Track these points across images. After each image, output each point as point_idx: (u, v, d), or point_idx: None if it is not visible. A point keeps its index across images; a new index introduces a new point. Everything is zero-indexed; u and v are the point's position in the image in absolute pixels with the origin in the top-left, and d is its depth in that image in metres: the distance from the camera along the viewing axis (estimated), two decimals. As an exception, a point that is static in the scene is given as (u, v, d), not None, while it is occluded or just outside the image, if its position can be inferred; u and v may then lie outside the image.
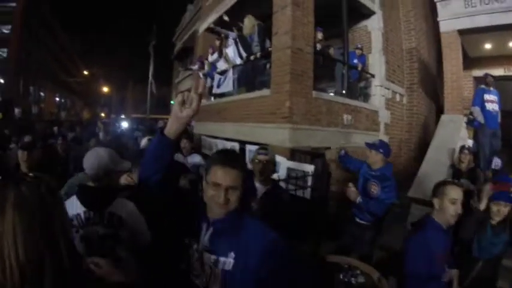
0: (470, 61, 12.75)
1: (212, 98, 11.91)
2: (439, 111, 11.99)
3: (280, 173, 6.51)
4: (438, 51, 11.88)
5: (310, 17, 7.97)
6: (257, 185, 3.62)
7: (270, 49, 8.51)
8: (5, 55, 37.83)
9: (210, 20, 12.98)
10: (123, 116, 51.30)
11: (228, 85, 10.44)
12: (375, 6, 10.37)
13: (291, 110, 7.17)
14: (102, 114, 57.33)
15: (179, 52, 27.52)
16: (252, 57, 9.20)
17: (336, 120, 8.41)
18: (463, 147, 6.98)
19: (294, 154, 7.03)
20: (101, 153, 2.81)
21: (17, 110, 29.83)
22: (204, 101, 12.51)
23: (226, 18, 10.96)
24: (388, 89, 10.50)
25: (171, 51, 31.63)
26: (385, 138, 9.76)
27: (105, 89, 65.24)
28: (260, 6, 9.46)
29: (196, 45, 16.68)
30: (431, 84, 12.50)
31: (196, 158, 6.39)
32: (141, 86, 51.14)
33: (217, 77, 11.02)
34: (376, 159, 4.79)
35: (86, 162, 2.77)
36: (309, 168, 6.14)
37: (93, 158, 2.76)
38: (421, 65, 11.66)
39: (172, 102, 31.80)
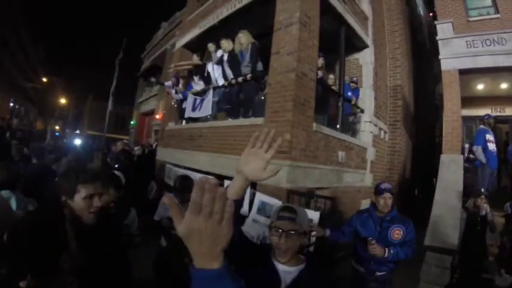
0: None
1: (183, 122, 10.65)
2: (414, 148, 12.40)
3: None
4: (418, 89, 12.42)
5: (316, 40, 7.05)
6: (279, 266, 2.31)
7: (264, 70, 7.64)
8: None
9: (191, 35, 11.93)
10: (77, 132, 49.67)
11: (206, 109, 9.20)
12: (368, 40, 9.89)
13: (291, 143, 6.09)
14: (57, 127, 55.02)
15: (146, 70, 26.64)
16: (240, 79, 8.02)
17: (332, 157, 7.47)
18: (479, 192, 6.58)
19: (290, 196, 5.98)
20: None
21: None
22: (171, 125, 11.54)
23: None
24: (376, 125, 9.91)
25: (137, 68, 30.66)
26: (371, 177, 9.45)
27: (63, 101, 63.12)
28: (252, 23, 8.52)
29: (170, 62, 15.66)
30: (411, 122, 12.34)
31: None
32: (100, 102, 49.40)
33: (191, 98, 9.80)
34: (389, 203, 4.34)
35: None
36: (313, 215, 5.16)
37: None
38: (404, 103, 11.39)
39: (132, 122, 30.81)
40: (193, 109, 9.62)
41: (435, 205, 7.88)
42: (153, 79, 19.64)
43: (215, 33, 9.87)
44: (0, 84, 44.84)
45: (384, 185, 4.43)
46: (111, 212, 3.25)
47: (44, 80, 59.14)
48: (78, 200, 2.34)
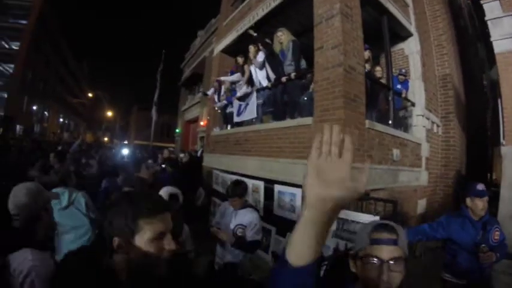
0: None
1: (229, 127, 10.46)
2: (468, 142, 11.49)
3: None
4: (466, 77, 11.52)
5: (359, 31, 6.61)
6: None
7: (308, 67, 7.31)
8: (11, 71, 39.25)
9: (228, 40, 11.77)
10: (125, 142, 50.89)
11: (251, 112, 8.97)
12: (412, 28, 9.27)
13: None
14: (105, 139, 56.63)
15: (187, 79, 26.82)
16: (283, 79, 7.70)
17: (387, 156, 6.98)
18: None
19: None
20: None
21: (18, 127, 29.53)
22: (216, 130, 11.33)
23: (253, 33, 9.51)
24: (428, 118, 9.28)
25: (178, 78, 30.99)
26: (426, 175, 8.80)
27: (109, 113, 64.95)
28: (290, 20, 8.29)
29: (210, 69, 15.59)
30: (464, 113, 11.43)
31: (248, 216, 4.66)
32: (145, 113, 50.53)
33: (236, 103, 9.59)
34: (486, 206, 3.91)
35: None
36: (372, 220, 4.58)
37: None
38: (455, 93, 10.53)
39: (177, 130, 31.08)
40: (238, 114, 9.44)
41: (502, 204, 7.27)
42: (201, 91, 19.66)
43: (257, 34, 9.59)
44: (49, 101, 48.71)
45: (481, 186, 3.98)
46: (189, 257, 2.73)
47: (90, 95, 61.61)
48: (141, 242, 1.54)
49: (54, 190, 3.77)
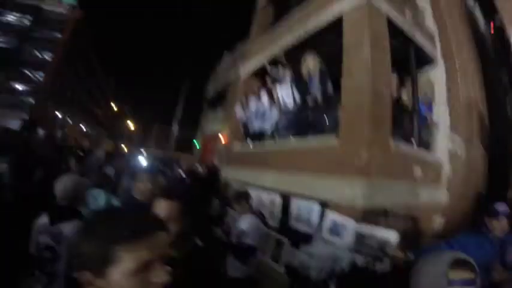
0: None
1: (249, 142, 10.71)
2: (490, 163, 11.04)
3: (344, 239, 5.36)
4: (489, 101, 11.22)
5: (387, 57, 6.86)
6: None
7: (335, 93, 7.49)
8: (40, 78, 41.79)
9: (255, 64, 12.02)
10: (144, 153, 51.34)
11: (268, 122, 9.45)
12: (437, 56, 9.62)
13: (369, 162, 5.84)
14: (125, 149, 57.29)
15: (211, 98, 27.09)
16: (309, 101, 8.03)
17: (408, 174, 7.17)
18: None
19: (365, 216, 5.61)
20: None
21: (41, 131, 30.26)
22: (236, 145, 11.61)
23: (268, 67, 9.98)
24: (452, 141, 9.46)
25: (201, 93, 31.35)
26: (446, 194, 8.91)
27: (130, 125, 65.65)
28: (319, 47, 8.52)
29: (235, 91, 15.90)
30: (487, 135, 11.32)
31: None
32: (166, 127, 50.98)
33: (253, 107, 10.00)
34: (505, 226, 3.89)
35: None
36: (391, 235, 4.83)
37: None
38: (479, 116, 10.49)
39: (196, 144, 31.47)
40: (256, 117, 9.80)
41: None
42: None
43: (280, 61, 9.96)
44: (74, 109, 51.11)
45: (502, 207, 4.00)
46: None
47: (114, 107, 62.29)
48: (119, 277, 1.19)
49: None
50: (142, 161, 18.00)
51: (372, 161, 5.90)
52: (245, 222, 4.78)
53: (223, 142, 17.55)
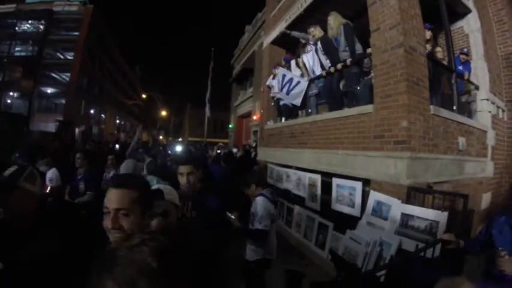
0: None
1: (283, 119, 10.10)
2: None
3: (390, 221, 4.87)
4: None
5: (417, 9, 6.07)
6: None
7: (364, 52, 6.83)
8: (67, 79, 42.89)
9: (277, 31, 11.36)
10: (180, 139, 51.90)
11: (297, 98, 8.87)
12: (470, 3, 8.45)
13: (409, 131, 5.17)
14: (161, 137, 58.03)
15: (238, 75, 26.77)
16: (339, 66, 7.33)
17: (452, 145, 6.38)
18: None
19: (411, 194, 5.04)
20: None
21: (77, 130, 31.95)
22: (270, 123, 11.06)
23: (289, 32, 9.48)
24: (493, 103, 8.52)
25: (229, 74, 31.04)
26: (492, 165, 8.07)
27: (163, 113, 66.56)
28: (342, 3, 7.89)
29: (260, 62, 15.33)
30: None
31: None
32: (198, 110, 51.47)
33: (286, 78, 9.21)
34: None
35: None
36: (440, 216, 4.29)
37: None
38: None
39: (230, 126, 31.19)
40: (284, 89, 9.18)
41: None
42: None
43: (303, 24, 9.26)
44: (105, 104, 52.84)
45: None
46: None
47: (144, 96, 63.66)
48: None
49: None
50: (178, 147, 18.10)
51: (412, 131, 5.26)
52: (255, 205, 4.53)
53: (256, 121, 17.20)
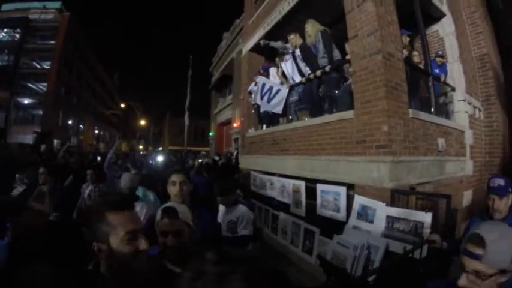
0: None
1: (264, 126, 10.14)
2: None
3: (376, 224, 4.92)
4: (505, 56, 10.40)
5: (394, 15, 6.20)
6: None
7: (343, 58, 6.91)
8: (44, 89, 42.67)
9: (256, 38, 11.41)
10: (160, 149, 51.65)
11: (278, 105, 8.90)
12: (444, 7, 8.69)
13: (389, 136, 5.26)
14: (140, 147, 57.64)
15: (217, 82, 26.73)
16: (318, 72, 7.40)
17: (432, 146, 6.52)
18: None
19: (395, 196, 5.12)
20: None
21: (56, 142, 31.53)
22: (252, 131, 11.05)
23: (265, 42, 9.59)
24: (470, 103, 8.69)
25: (208, 82, 30.99)
26: (471, 164, 8.27)
27: (142, 122, 66.35)
28: (320, 11, 8.05)
29: (239, 69, 15.35)
30: (506, 94, 10.40)
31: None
32: (178, 119, 51.61)
33: (262, 83, 9.28)
34: (501, 207, 3.35)
35: None
36: (424, 217, 4.38)
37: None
38: (495, 74, 9.76)
39: (210, 134, 31.15)
40: (264, 98, 9.17)
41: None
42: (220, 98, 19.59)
43: (282, 31, 9.37)
44: (83, 115, 52.54)
45: (494, 181, 3.47)
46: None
47: (122, 105, 63.83)
48: (117, 244, 1.61)
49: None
50: (158, 156, 18.05)
51: (392, 135, 5.35)
52: (236, 212, 4.61)
53: (237, 128, 17.21)
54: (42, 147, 21.98)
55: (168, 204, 2.67)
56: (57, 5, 45.37)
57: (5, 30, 43.45)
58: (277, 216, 8.41)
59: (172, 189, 3.50)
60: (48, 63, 42.99)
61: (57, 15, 43.99)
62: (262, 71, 10.16)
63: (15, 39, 43.18)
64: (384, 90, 5.35)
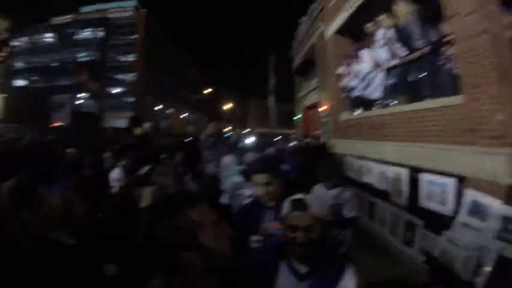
0: None
1: (358, 111, 9.84)
2: None
3: (488, 224, 4.45)
4: None
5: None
6: None
7: (441, 39, 6.29)
8: (134, 78, 49.24)
9: (339, 21, 10.95)
10: (248, 130, 52.46)
11: (377, 88, 8.51)
12: None
13: (505, 125, 4.63)
14: (228, 128, 58.86)
15: (299, 67, 26.22)
16: (416, 54, 6.93)
17: None
18: None
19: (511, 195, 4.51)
20: None
21: (147, 125, 34.60)
22: (346, 115, 10.81)
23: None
24: None
25: (290, 64, 30.63)
26: None
27: (228, 105, 67.66)
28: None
29: (322, 54, 15.01)
30: None
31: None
32: (262, 101, 51.83)
33: (360, 73, 9.00)
34: None
35: None
36: None
37: None
38: None
39: (296, 117, 30.87)
40: (359, 83, 8.97)
41: None
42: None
43: (367, 13, 8.97)
44: (171, 100, 58.05)
45: None
46: None
47: (207, 90, 65.13)
48: None
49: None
50: (249, 139, 17.97)
51: (509, 124, 4.69)
52: (340, 195, 4.65)
53: (325, 112, 16.88)
54: (138, 130, 23.31)
55: (298, 196, 2.40)
56: (133, 3, 49.72)
57: (89, 29, 50.70)
58: (374, 203, 8.17)
59: (259, 191, 3.20)
60: (133, 55, 48.89)
61: (134, 13, 49.77)
62: (353, 53, 9.84)
63: (99, 36, 50.06)
64: (494, 74, 4.81)
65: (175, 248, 1.89)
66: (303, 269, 2.17)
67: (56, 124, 37.07)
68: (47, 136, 14.22)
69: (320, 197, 4.48)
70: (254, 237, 2.87)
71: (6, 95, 46.93)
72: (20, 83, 56.67)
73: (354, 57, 9.60)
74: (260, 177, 3.15)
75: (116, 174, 6.51)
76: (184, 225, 2.10)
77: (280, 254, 2.27)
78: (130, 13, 49.88)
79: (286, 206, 2.34)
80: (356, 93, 9.40)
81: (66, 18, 53.37)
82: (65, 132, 19.56)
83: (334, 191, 4.59)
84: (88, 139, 13.06)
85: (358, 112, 9.88)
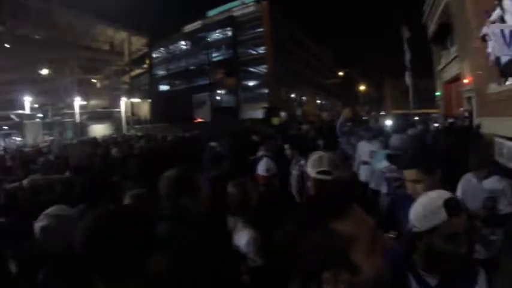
0: None
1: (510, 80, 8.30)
2: None
3: None
4: None
5: None
6: None
7: None
8: (265, 70, 51.29)
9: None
10: (383, 113, 50.73)
11: None
12: None
13: None
14: (365, 112, 57.70)
15: (434, 34, 24.22)
16: None
17: None
18: None
19: None
20: None
21: (283, 114, 36.13)
22: (494, 87, 9.25)
23: None
24: None
25: (424, 34, 28.53)
26: None
27: (362, 87, 66.49)
28: None
29: (461, 13, 13.21)
30: None
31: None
32: (397, 80, 49.88)
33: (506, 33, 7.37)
34: None
35: None
36: None
37: None
38: None
39: (436, 94, 28.76)
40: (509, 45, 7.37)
41: None
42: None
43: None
44: (304, 87, 60.07)
45: None
46: None
47: (340, 74, 65.26)
48: None
49: None
50: (385, 121, 17.02)
51: None
52: (495, 186, 3.82)
53: (468, 85, 15.18)
54: (276, 120, 23.61)
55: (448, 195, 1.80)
56: (254, -4, 54.63)
57: (218, 30, 54.99)
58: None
59: (408, 187, 2.64)
60: (263, 48, 50.88)
61: (257, 6, 51.88)
62: (496, 3, 8.34)
63: (228, 36, 53.67)
64: None
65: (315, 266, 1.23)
66: (433, 281, 1.75)
67: (198, 120, 43.77)
68: (191, 132, 16.37)
69: (472, 189, 3.83)
70: (391, 234, 2.26)
71: (150, 100, 56.11)
72: (163, 88, 65.42)
73: (496, 5, 8.24)
74: (408, 174, 2.63)
75: (263, 165, 6.15)
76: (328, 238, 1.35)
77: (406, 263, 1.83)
78: (253, 8, 52.69)
79: (438, 210, 1.68)
80: (506, 57, 7.86)
81: (196, 24, 59.52)
82: (207, 127, 20.97)
83: (488, 182, 3.84)
84: (228, 131, 13.85)
85: (510, 82, 8.36)
